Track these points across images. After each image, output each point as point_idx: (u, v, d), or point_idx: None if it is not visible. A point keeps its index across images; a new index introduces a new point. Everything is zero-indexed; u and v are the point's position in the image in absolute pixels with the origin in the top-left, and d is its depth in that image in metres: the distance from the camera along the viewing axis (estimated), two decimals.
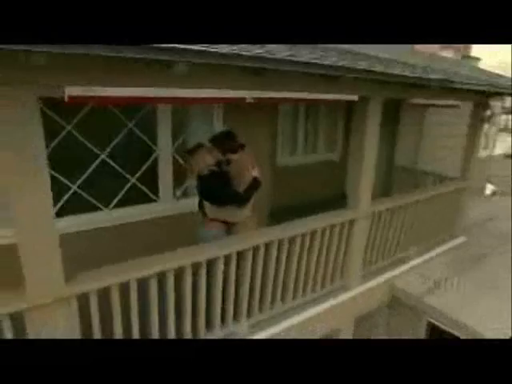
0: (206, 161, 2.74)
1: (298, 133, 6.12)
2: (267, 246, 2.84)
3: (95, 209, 3.30)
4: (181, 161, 3.61)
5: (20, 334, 1.94)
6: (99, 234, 3.26)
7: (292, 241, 3.01)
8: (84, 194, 3.23)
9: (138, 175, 3.47)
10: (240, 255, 2.70)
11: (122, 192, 3.42)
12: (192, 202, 3.66)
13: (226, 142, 2.79)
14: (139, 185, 3.50)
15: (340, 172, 6.89)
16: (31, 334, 1.93)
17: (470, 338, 3.71)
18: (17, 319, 1.92)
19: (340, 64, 2.28)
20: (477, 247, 5.33)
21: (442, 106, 5.79)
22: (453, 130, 6.86)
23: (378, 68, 2.61)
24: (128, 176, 3.43)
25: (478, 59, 8.96)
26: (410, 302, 4.24)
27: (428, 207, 4.36)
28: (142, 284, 2.30)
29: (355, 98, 3.15)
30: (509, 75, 5.70)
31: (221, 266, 2.58)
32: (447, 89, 3.29)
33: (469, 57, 8.76)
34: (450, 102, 5.50)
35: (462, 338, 3.81)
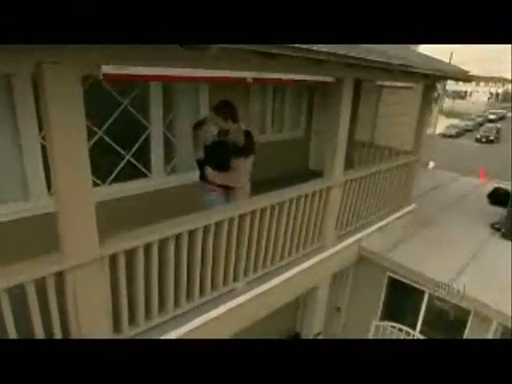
0: (211, 130, 3.02)
1: (267, 113, 6.47)
2: (262, 211, 3.21)
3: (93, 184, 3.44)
4: (171, 137, 3.83)
5: (60, 294, 2.15)
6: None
7: (281, 207, 3.40)
8: None
9: (132, 151, 3.65)
10: (241, 218, 3.04)
11: (119, 168, 3.59)
12: (181, 177, 3.93)
13: (226, 108, 3.07)
14: (134, 161, 3.68)
15: (304, 148, 7.40)
16: (70, 292, 2.15)
17: (423, 283, 4.42)
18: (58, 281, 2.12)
19: (325, 50, 2.63)
20: (425, 212, 6.13)
21: (397, 87, 6.43)
22: (404, 109, 7.62)
23: (354, 53, 3.02)
24: (123, 152, 3.59)
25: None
26: (374, 259, 4.88)
27: (387, 177, 4.97)
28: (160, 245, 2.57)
29: (331, 79, 3.55)
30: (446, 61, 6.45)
31: (225, 228, 2.91)
32: (406, 72, 3.81)
33: None
34: (405, 84, 6.14)
35: (417, 286, 4.53)
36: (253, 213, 3.11)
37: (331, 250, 4.22)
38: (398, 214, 5.55)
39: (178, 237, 2.62)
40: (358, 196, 4.52)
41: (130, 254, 2.43)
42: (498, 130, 34.12)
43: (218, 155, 3.09)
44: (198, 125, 3.12)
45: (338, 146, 3.77)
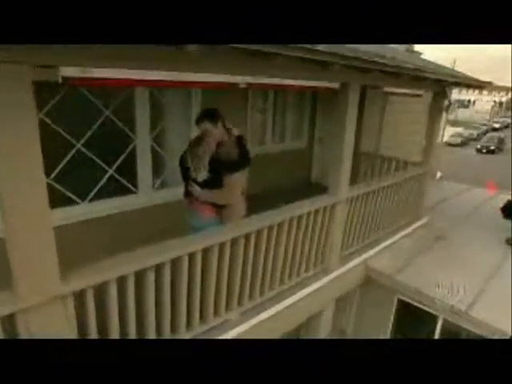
0: (211, 144, 2.68)
1: (267, 122, 6.15)
2: (258, 233, 2.85)
3: (70, 202, 3.10)
4: (159, 149, 3.49)
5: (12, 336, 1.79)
6: (74, 229, 3.08)
7: (280, 228, 3.04)
8: (58, 187, 3.02)
9: (116, 165, 3.30)
10: (234, 242, 2.68)
11: (100, 184, 3.24)
12: (171, 193, 3.57)
13: (215, 114, 2.71)
14: (117, 176, 3.34)
15: (306, 160, 7.06)
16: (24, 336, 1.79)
17: (437, 309, 4.02)
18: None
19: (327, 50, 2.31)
20: (436, 228, 5.73)
21: (406, 95, 6.09)
22: (411, 118, 7.27)
23: (363, 56, 2.68)
24: (106, 167, 3.25)
25: (420, 53, 9.46)
26: (382, 280, 4.48)
27: (396, 191, 4.60)
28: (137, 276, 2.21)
29: (336, 85, 3.21)
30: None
31: (216, 253, 2.55)
32: (418, 78, 3.47)
33: (412, 50, 9.24)
34: (415, 91, 5.79)
35: (429, 310, 4.13)
36: (247, 236, 2.75)
37: (336, 273, 3.84)
38: (408, 230, 5.16)
39: (158, 267, 2.25)
40: (365, 212, 4.15)
41: (101, 290, 2.06)
42: (501, 140, 33.52)
43: (209, 171, 2.73)
44: (197, 142, 2.77)
45: (344, 159, 3.42)
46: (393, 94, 6.20)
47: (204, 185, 2.77)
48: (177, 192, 3.52)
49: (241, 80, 2.79)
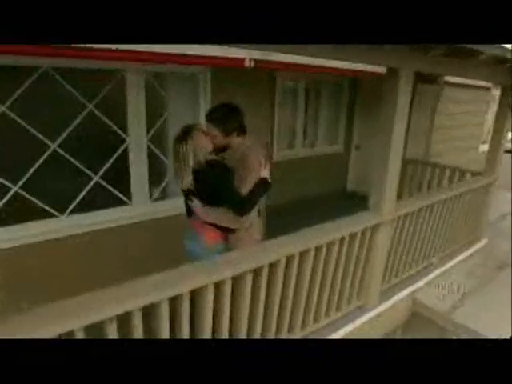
0: (205, 147, 1.99)
1: (297, 122, 5.43)
2: (272, 266, 2.13)
3: (46, 215, 2.54)
4: (156, 151, 2.86)
5: None
6: (51, 248, 2.52)
7: (303, 257, 2.31)
8: (30, 197, 2.46)
9: (102, 171, 2.71)
10: (238, 278, 1.98)
11: (83, 193, 2.66)
12: (173, 204, 2.95)
13: (231, 119, 2.06)
14: (104, 184, 2.74)
15: (342, 166, 6.27)
16: None
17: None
18: None
19: None
20: (498, 252, 4.73)
21: (468, 87, 5.11)
22: (471, 119, 6.23)
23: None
24: (89, 173, 2.67)
25: None
26: (433, 318, 3.61)
27: (452, 207, 3.71)
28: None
29: (381, 69, 2.45)
30: None
31: (221, 292, 1.86)
32: (495, 59, 2.62)
33: None
34: (483, 83, 4.80)
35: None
36: (256, 270, 2.04)
37: (375, 311, 3.03)
38: (464, 255, 4.23)
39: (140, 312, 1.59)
40: (414, 235, 3.32)
41: None
42: None
43: (213, 183, 2.04)
44: (183, 136, 2.09)
45: (390, 168, 2.63)
46: (450, 85, 5.22)
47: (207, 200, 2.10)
48: (179, 204, 2.89)
49: (246, 55, 2.09)
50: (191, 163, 1.97)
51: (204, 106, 3.02)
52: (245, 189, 2.05)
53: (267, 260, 2.05)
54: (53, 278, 2.51)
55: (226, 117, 2.06)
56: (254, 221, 2.27)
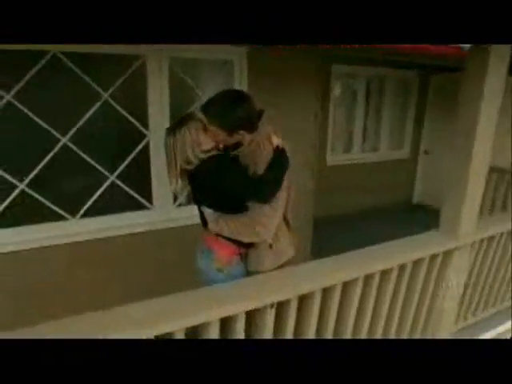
0: (200, 145, 1.56)
1: (356, 121, 4.82)
2: (304, 298, 1.63)
3: (55, 217, 2.28)
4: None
5: None
6: (60, 253, 2.27)
7: (348, 287, 1.76)
8: (38, 196, 2.22)
9: (119, 170, 2.41)
10: (258, 313, 1.51)
11: (97, 194, 2.37)
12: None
13: (233, 113, 1.54)
14: (122, 184, 2.44)
15: (408, 173, 5.51)
16: None
17: None
18: None
19: None
20: None
21: None
22: None
23: None
24: (104, 171, 2.37)
25: None
26: None
27: None
28: None
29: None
30: None
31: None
32: None
33: None
34: None
35: None
36: (283, 303, 1.55)
37: None
38: None
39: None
40: (501, 264, 2.58)
41: None
42: None
43: (225, 184, 1.60)
44: (175, 127, 1.63)
45: (472, 178, 1.99)
46: None
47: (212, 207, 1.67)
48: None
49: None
50: (179, 162, 1.55)
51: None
52: (259, 171, 1.57)
53: (295, 292, 1.54)
54: (57, 288, 2.26)
55: (226, 110, 1.53)
56: (280, 233, 1.78)
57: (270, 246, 1.75)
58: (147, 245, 2.53)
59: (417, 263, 1.99)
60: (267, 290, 1.50)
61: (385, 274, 1.87)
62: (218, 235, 1.71)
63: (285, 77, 2.78)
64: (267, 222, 1.68)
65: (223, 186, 1.56)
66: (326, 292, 1.68)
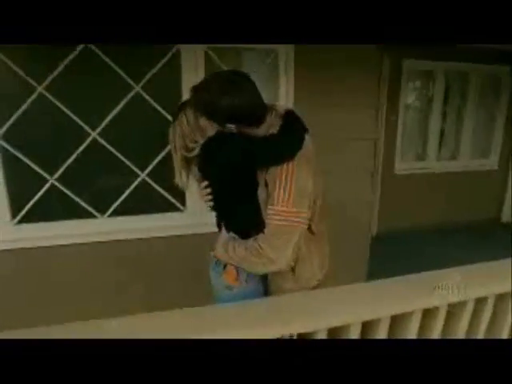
0: (204, 130, 1.29)
1: (431, 126, 4.24)
2: (338, 329, 1.26)
3: (83, 214, 2.20)
4: None
5: None
6: (86, 251, 2.17)
7: (401, 320, 1.35)
8: (66, 191, 2.15)
9: (150, 168, 2.26)
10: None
11: (127, 192, 2.25)
12: None
13: (223, 102, 1.16)
14: (152, 183, 2.29)
15: (496, 186, 4.72)
16: None
17: None
18: None
19: None
20: None
21: None
22: None
23: None
24: (135, 168, 2.24)
25: None
26: None
27: None
28: None
29: None
30: None
31: None
32: None
33: None
34: None
35: None
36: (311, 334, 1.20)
37: None
38: None
39: None
40: None
41: None
42: None
43: (235, 154, 1.27)
44: (177, 111, 1.33)
45: None
46: None
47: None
48: None
49: None
50: (179, 151, 1.30)
51: (285, 86, 2.32)
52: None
53: (323, 324, 1.18)
54: (80, 287, 2.16)
55: (214, 98, 1.16)
56: (302, 255, 1.40)
57: (291, 271, 1.40)
58: (175, 250, 2.34)
59: (481, 302, 1.48)
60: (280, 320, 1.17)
61: (453, 307, 1.42)
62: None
63: (339, 70, 2.43)
64: (282, 246, 1.31)
65: (233, 158, 1.25)
66: (364, 327, 1.29)
